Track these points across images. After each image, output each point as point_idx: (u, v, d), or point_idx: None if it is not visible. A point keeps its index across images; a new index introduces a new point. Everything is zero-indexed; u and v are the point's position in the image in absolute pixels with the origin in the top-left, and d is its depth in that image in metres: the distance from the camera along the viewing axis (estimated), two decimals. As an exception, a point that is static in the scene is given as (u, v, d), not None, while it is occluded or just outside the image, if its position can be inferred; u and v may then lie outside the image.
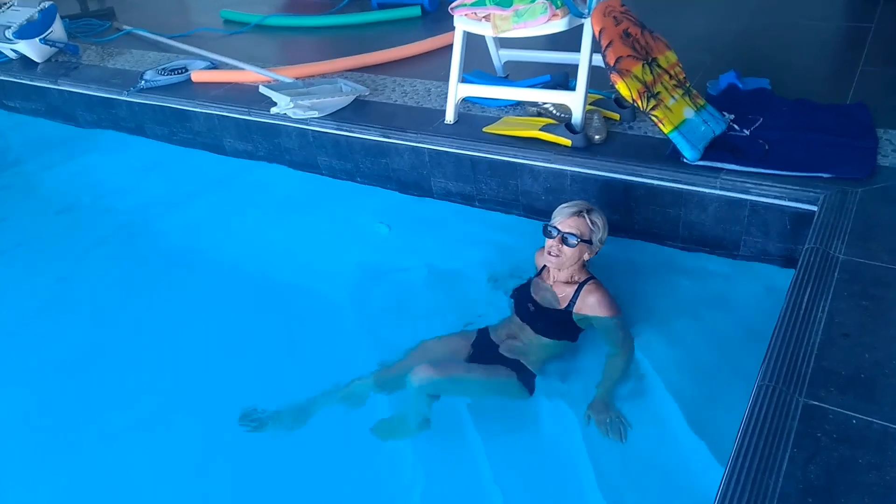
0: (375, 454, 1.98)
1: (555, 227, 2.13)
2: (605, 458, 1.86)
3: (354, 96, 3.25)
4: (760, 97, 2.78)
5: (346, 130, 3.09)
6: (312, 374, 2.26)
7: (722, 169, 2.33)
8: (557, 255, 2.12)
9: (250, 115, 3.37)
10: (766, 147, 2.39)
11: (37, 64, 4.44)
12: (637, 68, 2.42)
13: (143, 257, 3.07)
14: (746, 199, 2.30)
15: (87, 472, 2.05)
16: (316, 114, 3.10)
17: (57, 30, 4.47)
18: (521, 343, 2.16)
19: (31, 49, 4.39)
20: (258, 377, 2.30)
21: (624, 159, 2.49)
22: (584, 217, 2.11)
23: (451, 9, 2.79)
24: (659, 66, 2.52)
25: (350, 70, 3.66)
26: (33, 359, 2.50)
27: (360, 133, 3.06)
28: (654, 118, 2.38)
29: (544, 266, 2.25)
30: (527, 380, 2.08)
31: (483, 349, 2.17)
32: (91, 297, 2.82)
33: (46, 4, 4.42)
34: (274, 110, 3.19)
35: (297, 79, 3.51)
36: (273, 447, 2.04)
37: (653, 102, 2.39)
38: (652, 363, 2.08)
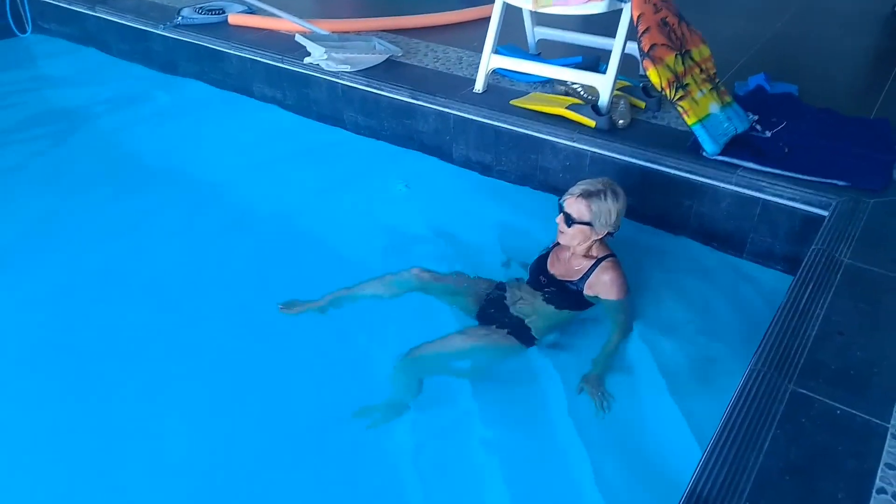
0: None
1: (561, 205, 2.17)
2: (595, 429, 1.92)
3: (387, 56, 3.29)
4: (786, 102, 2.82)
5: (375, 88, 3.14)
6: (320, 326, 2.29)
7: (739, 166, 2.38)
8: (563, 232, 2.17)
9: (283, 63, 3.41)
10: (786, 150, 2.44)
11: (74, -12, 4.47)
12: (670, 58, 2.45)
13: (154, 191, 3.10)
14: (759, 198, 2.35)
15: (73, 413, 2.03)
16: (348, 68, 3.15)
17: (98, -43, 4.50)
18: (530, 306, 2.21)
19: (71, -27, 4.42)
20: (261, 322, 2.32)
21: (644, 146, 2.54)
22: (585, 200, 2.10)
23: (494, -21, 2.82)
24: (692, 58, 2.55)
25: (386, 30, 3.69)
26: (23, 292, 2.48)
27: (390, 92, 3.10)
28: (679, 108, 2.42)
29: None
30: (525, 339, 2.15)
31: (494, 305, 2.25)
32: (89, 227, 2.84)
33: (91, -70, 4.44)
34: (307, 60, 3.23)
35: (333, 32, 3.54)
36: (262, 404, 2.04)
37: (680, 93, 2.43)
38: (648, 344, 2.13)
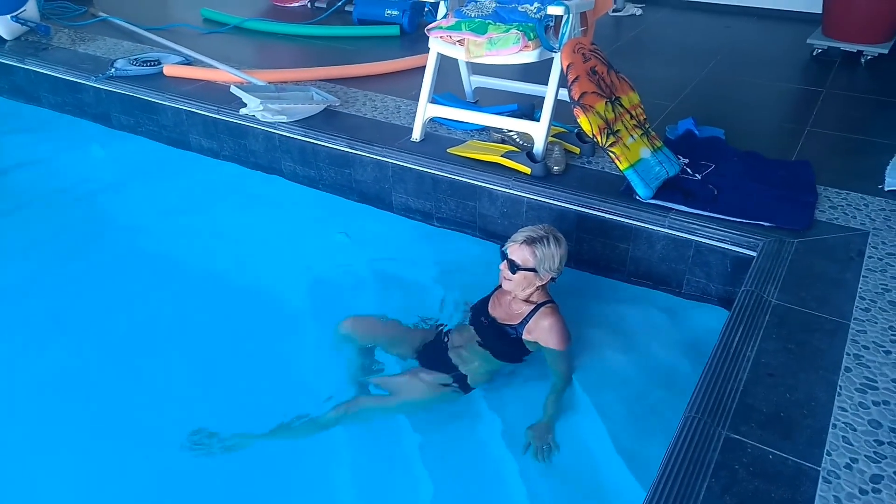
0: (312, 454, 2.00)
1: (504, 252, 2.18)
2: (538, 477, 1.90)
3: (325, 105, 3.28)
4: (714, 145, 2.91)
5: (312, 138, 3.12)
6: (257, 377, 2.27)
7: (671, 209, 2.43)
8: (508, 279, 2.18)
9: (219, 114, 3.37)
10: (715, 192, 2.50)
11: (5, 41, 4.37)
12: (600, 105, 2.51)
13: (91, 249, 3.01)
14: (692, 240, 2.39)
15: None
16: (284, 118, 3.12)
17: (30, 9, 4.42)
18: (467, 353, 2.20)
19: (1, 26, 4.32)
20: (200, 377, 2.28)
21: (579, 191, 2.57)
22: (528, 247, 2.13)
23: (427, 30, 2.86)
24: (621, 105, 2.62)
25: (323, 80, 3.70)
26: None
27: (327, 142, 3.08)
28: (611, 154, 2.47)
29: None
30: (462, 385, 2.15)
31: (432, 351, 2.24)
32: (30, 285, 2.75)
33: (21, -18, 4.37)
34: (243, 111, 3.20)
35: (269, 83, 3.52)
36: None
37: (612, 139, 2.48)
38: (588, 390, 2.13)
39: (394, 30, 4.45)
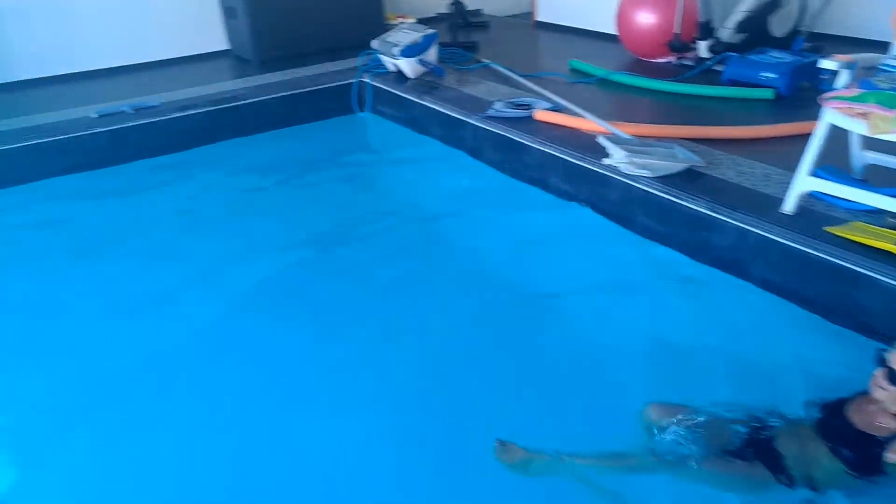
0: None
1: (883, 357, 1.91)
2: None
3: (688, 164, 3.26)
4: None
5: (673, 196, 3.12)
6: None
7: None
8: (882, 388, 1.90)
9: (583, 161, 3.57)
10: None
11: (407, 79, 5.22)
12: None
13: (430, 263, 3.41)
14: None
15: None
16: (648, 173, 3.19)
17: (432, 53, 5.21)
18: (805, 451, 1.98)
19: (408, 66, 5.17)
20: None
21: None
22: None
23: (822, 99, 2.68)
24: None
25: (686, 138, 3.68)
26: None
27: (687, 202, 3.06)
28: None
29: None
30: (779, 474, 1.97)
31: (758, 444, 2.07)
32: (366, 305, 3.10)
33: (430, 31, 5.19)
34: (607, 161, 3.34)
35: (633, 136, 3.62)
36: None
37: None
38: None
39: (767, 93, 4.22)
